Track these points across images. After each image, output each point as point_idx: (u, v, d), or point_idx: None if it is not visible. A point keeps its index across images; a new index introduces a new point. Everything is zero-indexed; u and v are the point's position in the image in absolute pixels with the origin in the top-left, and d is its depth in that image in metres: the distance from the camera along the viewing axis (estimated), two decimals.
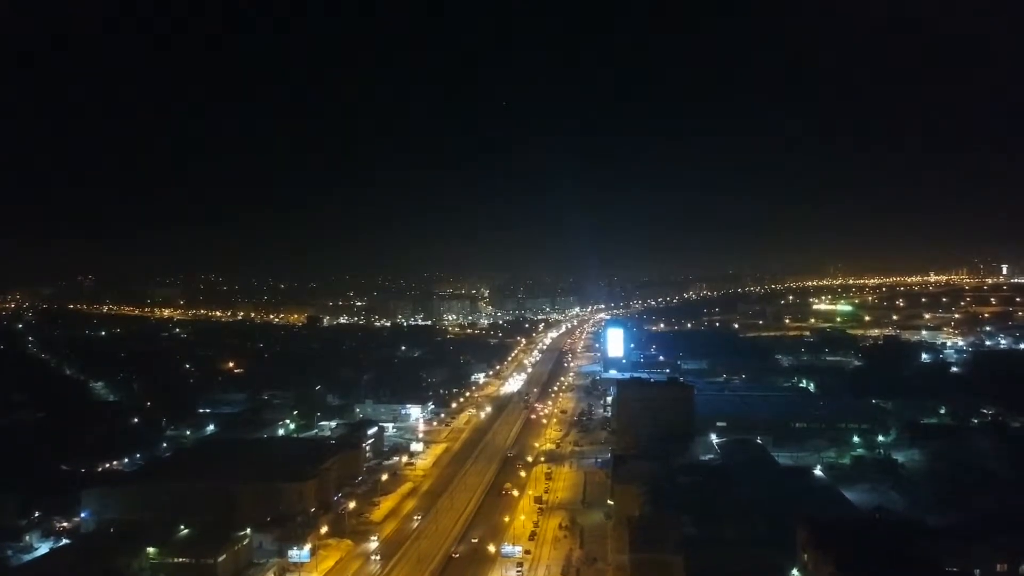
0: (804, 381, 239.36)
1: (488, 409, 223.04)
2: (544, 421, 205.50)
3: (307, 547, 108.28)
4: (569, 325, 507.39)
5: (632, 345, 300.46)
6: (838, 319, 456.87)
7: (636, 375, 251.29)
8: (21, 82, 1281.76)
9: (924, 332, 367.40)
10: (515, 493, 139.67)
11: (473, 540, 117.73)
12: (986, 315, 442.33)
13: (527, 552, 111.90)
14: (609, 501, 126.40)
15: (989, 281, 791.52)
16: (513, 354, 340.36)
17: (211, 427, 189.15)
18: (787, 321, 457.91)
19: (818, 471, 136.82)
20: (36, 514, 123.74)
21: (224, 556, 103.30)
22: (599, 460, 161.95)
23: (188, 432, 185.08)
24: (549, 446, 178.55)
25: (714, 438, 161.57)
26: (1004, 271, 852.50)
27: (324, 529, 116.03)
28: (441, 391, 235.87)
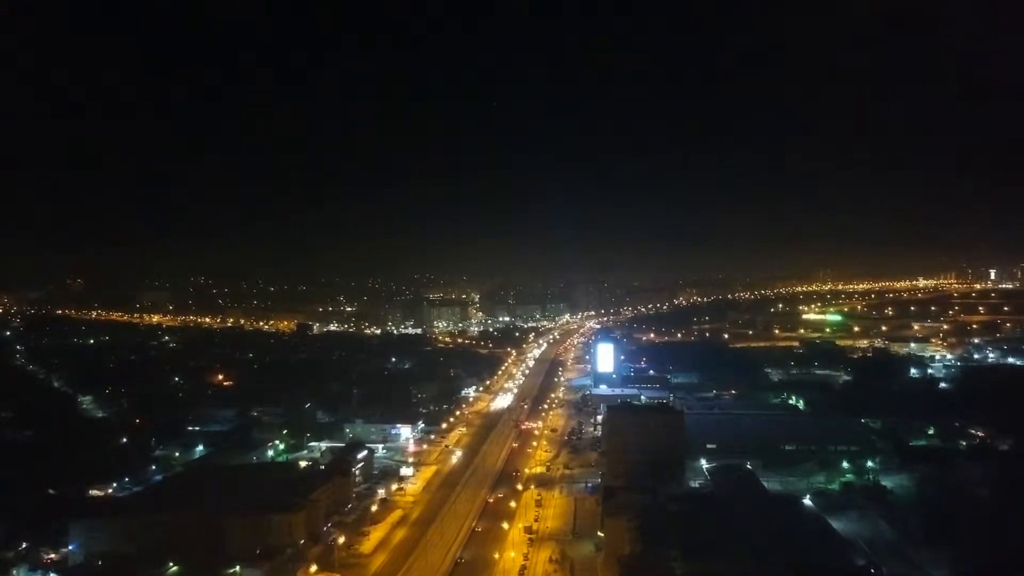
0: (793, 397, 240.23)
1: (478, 427, 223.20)
2: (534, 443, 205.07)
3: None
4: (559, 334, 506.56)
5: (622, 357, 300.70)
6: (827, 329, 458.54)
7: (626, 391, 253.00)
8: (11, 82, 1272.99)
9: (913, 344, 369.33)
10: (505, 526, 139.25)
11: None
12: (974, 325, 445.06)
13: None
14: (599, 533, 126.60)
15: (977, 287, 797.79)
16: (504, 367, 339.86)
17: (200, 447, 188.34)
18: (776, 331, 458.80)
19: (807, 500, 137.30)
20: (23, 545, 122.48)
21: None
22: (589, 485, 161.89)
23: (177, 453, 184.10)
24: (539, 469, 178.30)
25: (704, 463, 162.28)
26: (992, 276, 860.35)
27: (313, 568, 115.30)
28: (432, 407, 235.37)
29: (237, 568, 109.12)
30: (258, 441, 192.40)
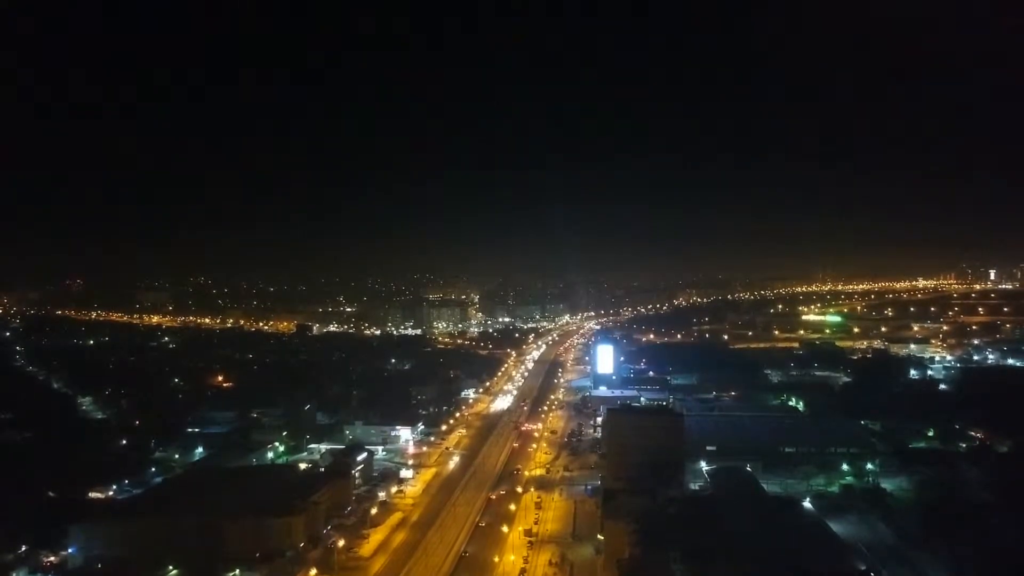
0: (793, 399, 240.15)
1: (478, 428, 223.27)
2: (534, 444, 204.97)
3: None
4: (558, 335, 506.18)
5: (622, 359, 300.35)
6: (827, 330, 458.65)
7: (626, 393, 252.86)
8: (12, 82, 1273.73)
9: (912, 345, 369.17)
10: (504, 528, 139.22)
11: None
12: (974, 326, 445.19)
13: None
14: (599, 536, 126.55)
15: (977, 287, 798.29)
16: (503, 368, 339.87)
17: (199, 449, 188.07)
18: (776, 332, 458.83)
19: (807, 503, 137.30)
20: (23, 548, 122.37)
21: None
22: (589, 487, 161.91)
23: (177, 456, 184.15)
24: (539, 471, 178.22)
25: (703, 465, 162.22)
26: (992, 276, 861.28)
27: (313, 571, 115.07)
28: (431, 409, 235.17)
29: (236, 571, 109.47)
30: (258, 443, 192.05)
